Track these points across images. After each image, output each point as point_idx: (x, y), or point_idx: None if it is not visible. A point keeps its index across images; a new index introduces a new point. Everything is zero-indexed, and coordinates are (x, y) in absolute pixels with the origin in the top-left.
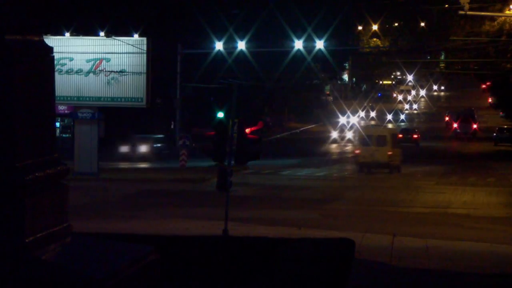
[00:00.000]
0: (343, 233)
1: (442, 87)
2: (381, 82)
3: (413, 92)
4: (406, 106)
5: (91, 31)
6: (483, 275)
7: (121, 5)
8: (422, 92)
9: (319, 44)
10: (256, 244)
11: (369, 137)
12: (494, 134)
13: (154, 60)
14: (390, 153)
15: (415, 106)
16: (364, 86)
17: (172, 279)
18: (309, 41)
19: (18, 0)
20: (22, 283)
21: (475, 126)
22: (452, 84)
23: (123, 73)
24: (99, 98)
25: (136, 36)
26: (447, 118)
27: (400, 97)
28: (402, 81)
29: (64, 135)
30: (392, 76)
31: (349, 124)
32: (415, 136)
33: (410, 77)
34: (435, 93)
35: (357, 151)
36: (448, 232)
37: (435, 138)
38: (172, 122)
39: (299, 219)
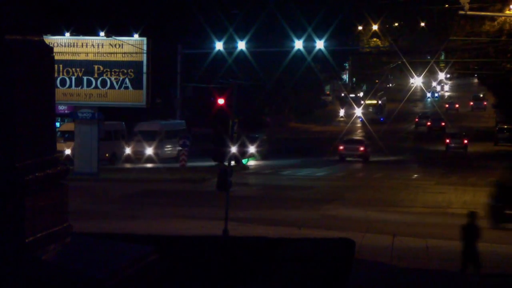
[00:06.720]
0: (343, 233)
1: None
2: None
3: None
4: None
5: (91, 31)
6: (483, 275)
7: (121, 5)
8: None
9: (319, 44)
10: (256, 244)
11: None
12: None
13: (154, 60)
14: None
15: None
16: (365, 86)
17: (172, 279)
18: (309, 41)
19: (18, 0)
20: (22, 283)
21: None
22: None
23: (123, 73)
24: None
25: (136, 36)
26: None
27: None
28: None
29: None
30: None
31: None
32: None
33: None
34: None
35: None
36: (448, 232)
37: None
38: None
39: (299, 219)
